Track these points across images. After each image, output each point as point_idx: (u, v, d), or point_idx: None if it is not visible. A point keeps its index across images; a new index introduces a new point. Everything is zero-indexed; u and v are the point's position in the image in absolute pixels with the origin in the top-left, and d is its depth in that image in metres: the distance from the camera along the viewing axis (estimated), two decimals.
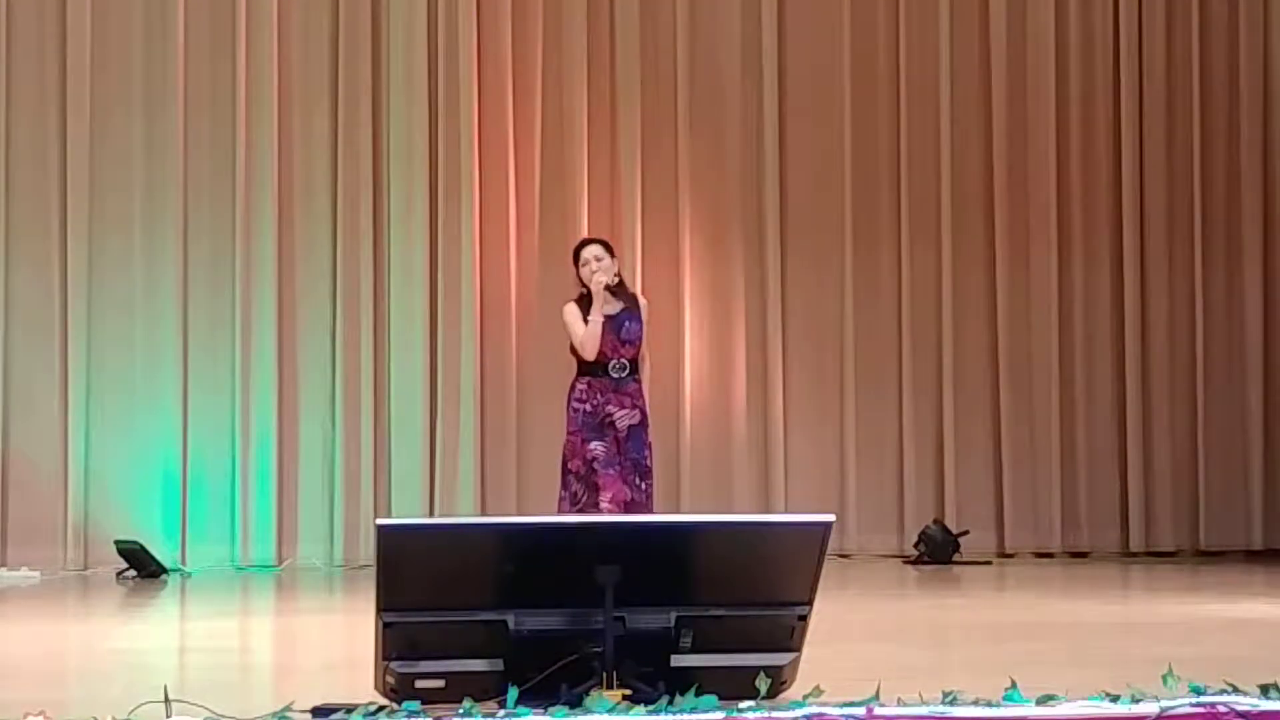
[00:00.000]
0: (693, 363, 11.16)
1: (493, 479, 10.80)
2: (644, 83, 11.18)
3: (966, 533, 10.87)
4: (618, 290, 7.36)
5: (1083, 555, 11.34)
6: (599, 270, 7.29)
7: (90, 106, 10.42)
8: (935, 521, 10.97)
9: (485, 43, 10.93)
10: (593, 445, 7.21)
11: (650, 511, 7.03)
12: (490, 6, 10.96)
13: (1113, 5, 11.65)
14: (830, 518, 4.00)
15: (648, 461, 7.26)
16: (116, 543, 9.89)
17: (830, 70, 11.43)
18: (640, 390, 7.36)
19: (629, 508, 7.04)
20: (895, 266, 11.41)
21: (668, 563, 3.94)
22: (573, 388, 7.41)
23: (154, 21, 10.57)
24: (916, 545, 10.87)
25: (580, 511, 7.19)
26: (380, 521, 3.80)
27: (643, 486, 7.19)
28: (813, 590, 4.00)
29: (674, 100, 11.22)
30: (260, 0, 10.67)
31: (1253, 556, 11.28)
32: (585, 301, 7.33)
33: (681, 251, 11.12)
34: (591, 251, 7.40)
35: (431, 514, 10.42)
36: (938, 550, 10.73)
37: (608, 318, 7.28)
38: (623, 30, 11.17)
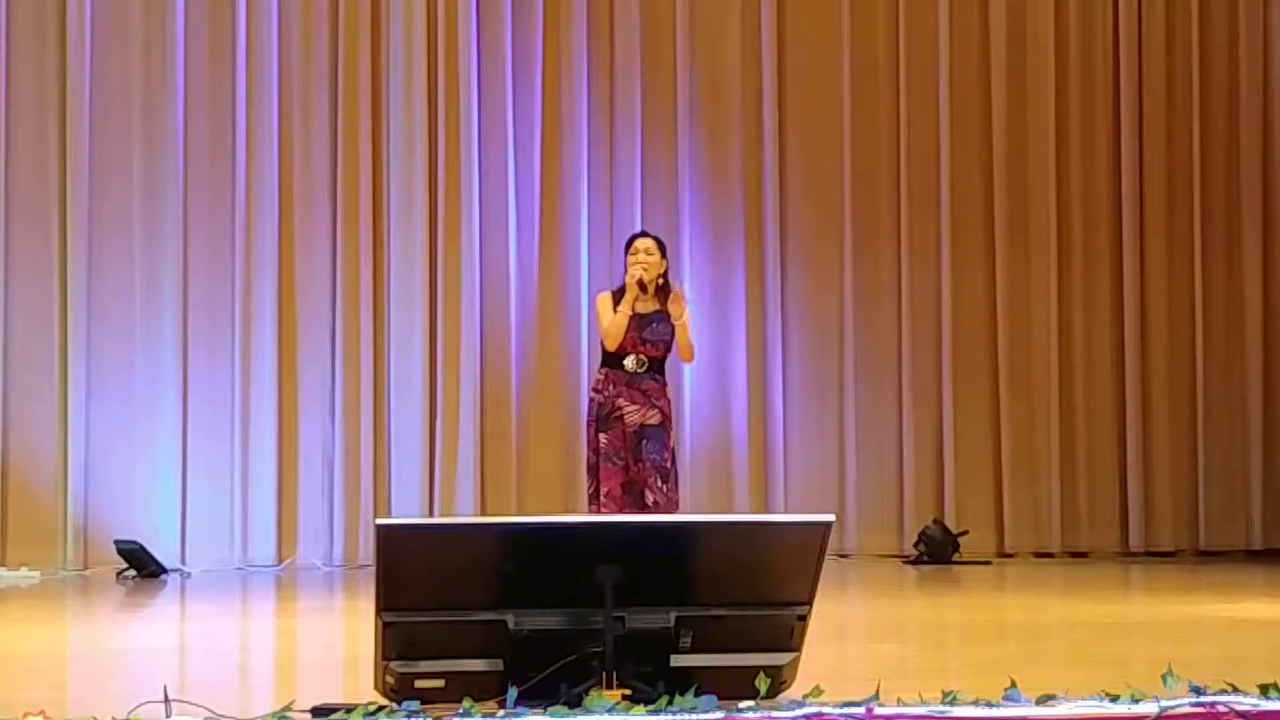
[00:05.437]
0: (693, 362, 11.13)
1: (493, 479, 10.80)
2: (644, 83, 11.18)
3: (966, 533, 10.88)
4: (658, 291, 7.34)
5: (1083, 555, 11.33)
6: (642, 264, 7.26)
7: (90, 106, 10.41)
8: (935, 521, 10.97)
9: (485, 42, 10.93)
10: (600, 437, 7.23)
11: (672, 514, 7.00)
12: (490, 6, 10.96)
13: (1113, 5, 11.66)
14: (830, 518, 3.99)
15: (668, 464, 7.24)
16: (116, 543, 9.89)
17: (830, 70, 11.43)
18: (662, 391, 7.35)
19: (652, 510, 7.02)
20: (895, 265, 11.42)
21: (668, 563, 3.94)
22: (594, 378, 7.47)
23: (154, 21, 10.56)
24: (916, 545, 10.87)
25: (589, 501, 7.23)
26: (380, 521, 3.80)
27: (664, 489, 7.17)
28: (812, 590, 4.00)
29: (674, 100, 11.22)
30: (260, 0, 10.67)
31: (1253, 556, 11.28)
32: (620, 296, 7.33)
33: (681, 251, 11.11)
34: (643, 244, 7.37)
35: (431, 514, 10.42)
36: (938, 550, 10.73)
37: (638, 315, 7.27)
38: (623, 30, 11.17)
